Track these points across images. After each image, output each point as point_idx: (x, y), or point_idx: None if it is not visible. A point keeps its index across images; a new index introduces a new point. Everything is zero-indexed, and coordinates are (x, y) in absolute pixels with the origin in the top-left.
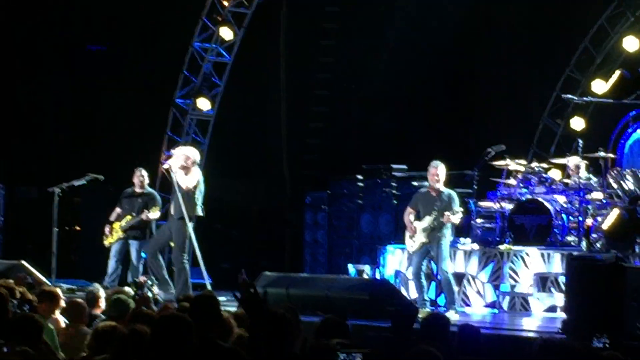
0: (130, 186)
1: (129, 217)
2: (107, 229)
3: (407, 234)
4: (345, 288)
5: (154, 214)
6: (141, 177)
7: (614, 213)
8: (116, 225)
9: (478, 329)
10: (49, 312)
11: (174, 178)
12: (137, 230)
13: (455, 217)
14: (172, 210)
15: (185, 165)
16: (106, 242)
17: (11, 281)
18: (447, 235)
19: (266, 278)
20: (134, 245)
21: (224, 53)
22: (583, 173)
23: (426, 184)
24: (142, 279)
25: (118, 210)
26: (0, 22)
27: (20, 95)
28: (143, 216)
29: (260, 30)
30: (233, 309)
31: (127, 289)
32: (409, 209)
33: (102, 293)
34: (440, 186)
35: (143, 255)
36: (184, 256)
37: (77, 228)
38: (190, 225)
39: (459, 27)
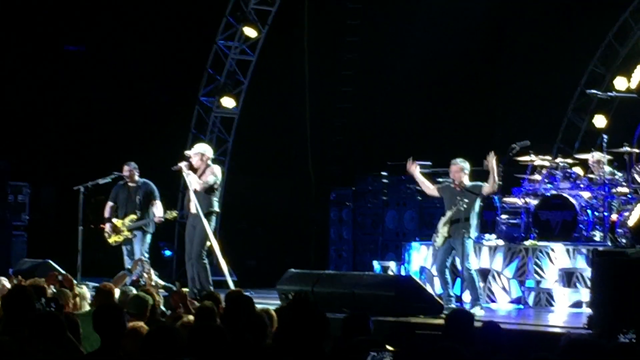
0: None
1: (133, 216)
2: (108, 227)
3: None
4: (370, 285)
5: (171, 214)
6: (131, 170)
7: (639, 208)
8: (119, 223)
9: (498, 325)
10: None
11: (186, 178)
12: (140, 226)
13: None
14: (190, 208)
15: (199, 164)
16: (111, 241)
17: (42, 280)
18: (471, 233)
19: (291, 275)
20: (137, 238)
21: (248, 51)
22: (606, 168)
23: (450, 180)
24: (138, 267)
25: (110, 204)
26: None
27: (45, 97)
28: (155, 219)
29: (283, 28)
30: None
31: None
32: (435, 186)
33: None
34: (464, 181)
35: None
36: (203, 253)
37: (102, 226)
38: (205, 222)
39: (483, 23)
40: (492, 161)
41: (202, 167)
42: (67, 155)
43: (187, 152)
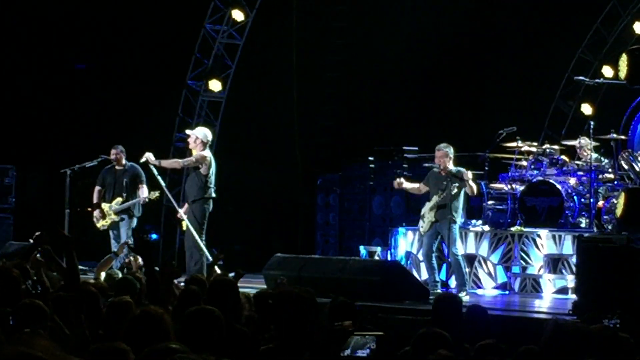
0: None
1: (119, 199)
2: (97, 213)
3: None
4: (356, 270)
5: (153, 194)
6: (118, 153)
7: (624, 197)
8: (106, 207)
9: (485, 310)
10: None
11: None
12: (127, 210)
13: (468, 174)
14: (186, 194)
15: (192, 146)
16: (99, 225)
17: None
18: (457, 218)
19: (278, 260)
20: (124, 222)
21: (236, 35)
22: (592, 155)
23: (436, 165)
24: (124, 250)
25: (98, 188)
26: None
27: (31, 79)
28: (140, 200)
29: (271, 12)
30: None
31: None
32: (420, 185)
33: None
34: (449, 166)
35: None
36: (196, 239)
37: (89, 209)
38: (193, 208)
39: (470, 9)
40: (465, 174)
41: (194, 149)
42: (54, 138)
43: (187, 131)
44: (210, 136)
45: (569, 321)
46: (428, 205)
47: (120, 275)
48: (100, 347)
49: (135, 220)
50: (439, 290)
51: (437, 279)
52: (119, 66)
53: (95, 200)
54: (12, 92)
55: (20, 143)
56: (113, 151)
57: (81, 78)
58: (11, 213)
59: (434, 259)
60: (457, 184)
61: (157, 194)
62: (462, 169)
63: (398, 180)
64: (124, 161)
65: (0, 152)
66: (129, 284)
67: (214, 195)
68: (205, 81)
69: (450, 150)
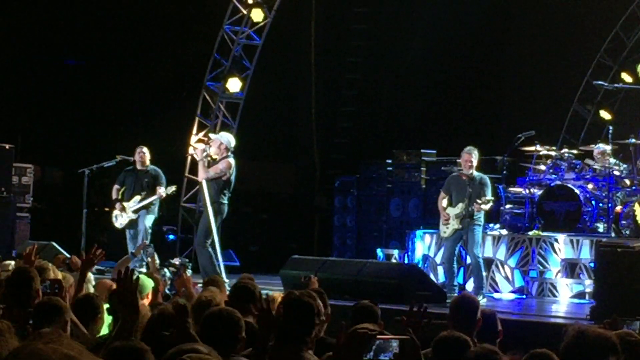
0: (132, 164)
1: (137, 197)
2: (118, 207)
3: (442, 220)
4: (373, 272)
5: (170, 189)
6: (142, 154)
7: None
8: (125, 205)
9: (494, 313)
10: None
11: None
12: (145, 207)
13: (486, 205)
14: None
15: (217, 152)
16: (117, 224)
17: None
18: (481, 221)
19: (295, 262)
20: (142, 216)
21: (254, 36)
22: (611, 159)
23: (456, 168)
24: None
25: (117, 186)
26: None
27: (51, 78)
28: (157, 195)
29: (290, 13)
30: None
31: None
32: (442, 194)
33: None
34: (473, 171)
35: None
36: (207, 242)
37: (107, 209)
38: (211, 211)
39: (489, 13)
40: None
41: (219, 156)
42: (73, 138)
43: (211, 135)
44: (233, 142)
45: (590, 326)
46: (453, 211)
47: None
48: (119, 345)
49: (152, 218)
50: (455, 294)
51: (455, 282)
52: (139, 67)
53: (113, 197)
54: (33, 93)
55: (39, 143)
56: (137, 150)
57: (101, 78)
58: (29, 212)
59: (454, 263)
60: (487, 199)
61: (173, 188)
62: (487, 180)
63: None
64: (147, 162)
65: (19, 152)
66: (144, 284)
67: (226, 202)
68: (223, 82)
69: (476, 154)
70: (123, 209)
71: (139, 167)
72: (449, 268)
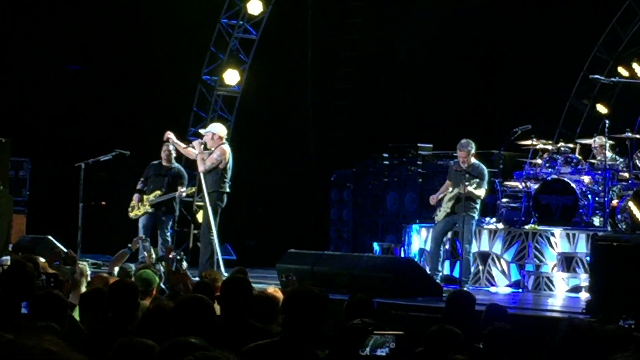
0: (156, 160)
1: (158, 192)
2: (136, 198)
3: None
4: (369, 266)
5: (190, 190)
6: (168, 151)
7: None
8: (145, 198)
9: (505, 309)
10: None
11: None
12: (166, 206)
13: (473, 189)
14: (201, 186)
15: (211, 144)
16: (132, 214)
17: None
18: (475, 215)
19: (291, 255)
20: (164, 219)
21: (251, 30)
22: (608, 153)
23: (453, 161)
24: (171, 254)
25: (142, 179)
26: None
27: (48, 72)
28: (177, 194)
29: (287, 8)
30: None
31: (158, 265)
32: (446, 183)
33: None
34: (467, 165)
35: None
36: (210, 233)
37: (103, 203)
38: (208, 201)
39: (485, 7)
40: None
41: (213, 146)
42: (69, 132)
43: (201, 130)
44: (225, 130)
45: (584, 320)
46: (447, 196)
47: (133, 269)
48: (126, 342)
49: (171, 219)
50: (438, 280)
51: (440, 268)
52: (135, 61)
53: (138, 187)
54: (29, 85)
55: (35, 136)
56: (164, 148)
57: (97, 72)
58: (25, 206)
59: (441, 247)
60: (476, 180)
61: (193, 189)
62: (483, 168)
63: (431, 197)
64: (173, 160)
65: (15, 145)
66: (149, 280)
67: (228, 190)
68: (220, 75)
69: (472, 146)
70: (141, 201)
71: (164, 163)
72: (435, 250)
